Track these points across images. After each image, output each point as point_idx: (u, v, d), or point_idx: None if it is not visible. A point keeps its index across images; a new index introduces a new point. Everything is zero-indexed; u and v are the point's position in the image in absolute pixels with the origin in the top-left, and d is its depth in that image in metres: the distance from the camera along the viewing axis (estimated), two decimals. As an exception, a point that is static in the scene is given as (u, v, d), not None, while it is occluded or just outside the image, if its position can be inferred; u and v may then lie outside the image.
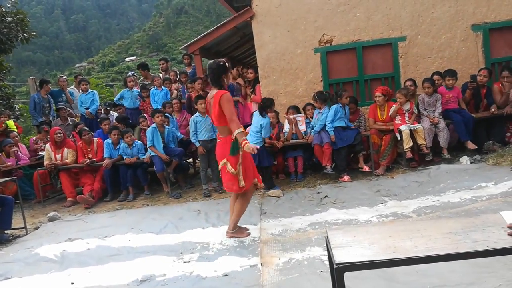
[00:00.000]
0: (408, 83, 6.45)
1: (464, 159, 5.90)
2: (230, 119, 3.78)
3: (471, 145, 6.06)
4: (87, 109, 8.28)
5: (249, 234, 4.19)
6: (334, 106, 6.09)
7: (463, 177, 5.22)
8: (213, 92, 3.96)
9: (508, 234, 1.74)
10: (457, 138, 6.33)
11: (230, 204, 4.29)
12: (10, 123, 8.38)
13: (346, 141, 5.97)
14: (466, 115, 6.15)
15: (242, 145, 3.73)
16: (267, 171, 6.00)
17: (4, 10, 8.58)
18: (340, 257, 1.74)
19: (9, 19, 8.43)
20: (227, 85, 4.08)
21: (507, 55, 6.91)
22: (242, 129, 3.81)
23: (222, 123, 3.90)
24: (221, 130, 4.00)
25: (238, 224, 4.21)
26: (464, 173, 5.41)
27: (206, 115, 6.19)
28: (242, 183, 3.92)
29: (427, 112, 6.25)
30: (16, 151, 7.27)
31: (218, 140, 4.10)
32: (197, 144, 6.25)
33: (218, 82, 3.94)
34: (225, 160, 3.93)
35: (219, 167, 4.08)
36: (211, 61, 4.06)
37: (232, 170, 3.89)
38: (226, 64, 4.00)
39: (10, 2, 9.11)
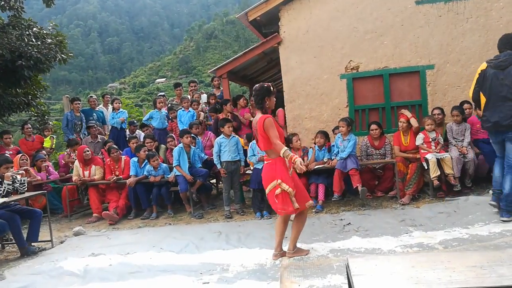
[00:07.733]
0: (436, 111, 6.36)
1: (494, 191, 5.69)
2: (273, 143, 3.77)
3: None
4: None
5: (308, 251, 4.18)
6: (354, 137, 6.22)
7: (492, 209, 5.04)
8: (257, 117, 3.97)
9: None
10: (487, 169, 6.14)
11: (276, 227, 4.19)
12: (47, 139, 8.72)
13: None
14: (496, 145, 5.97)
15: (292, 160, 3.66)
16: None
17: (45, 32, 9.08)
18: (360, 286, 1.71)
19: (49, 40, 8.90)
20: (270, 109, 4.06)
21: (540, 85, 6.73)
22: (286, 148, 3.75)
23: (270, 147, 3.88)
24: (269, 153, 3.96)
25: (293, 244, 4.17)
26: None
27: (231, 137, 6.28)
28: (296, 205, 3.86)
29: (456, 141, 6.12)
30: (46, 166, 7.54)
31: (265, 162, 4.05)
32: (219, 167, 6.30)
33: (261, 104, 3.96)
34: (278, 181, 3.83)
35: (267, 190, 3.96)
36: (257, 84, 4.07)
37: (290, 189, 3.82)
38: (271, 87, 4.00)
39: (51, 25, 9.65)
